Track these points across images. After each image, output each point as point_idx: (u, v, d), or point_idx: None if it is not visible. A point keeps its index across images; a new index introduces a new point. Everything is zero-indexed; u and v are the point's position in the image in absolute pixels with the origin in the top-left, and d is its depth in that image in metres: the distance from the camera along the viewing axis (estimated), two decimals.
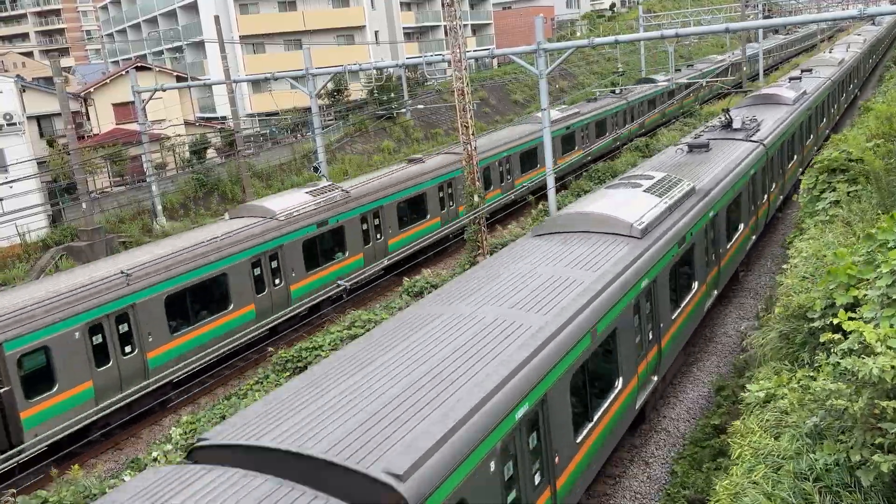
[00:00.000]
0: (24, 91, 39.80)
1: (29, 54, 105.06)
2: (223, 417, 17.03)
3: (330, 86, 50.46)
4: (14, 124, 36.25)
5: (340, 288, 24.45)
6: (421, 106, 51.46)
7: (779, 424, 8.25)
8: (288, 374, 19.05)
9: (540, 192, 34.08)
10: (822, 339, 8.25)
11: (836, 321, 7.95)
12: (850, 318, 7.60)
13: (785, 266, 14.58)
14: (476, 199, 25.59)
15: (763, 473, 7.65)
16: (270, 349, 21.43)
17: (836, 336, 7.77)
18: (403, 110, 53.07)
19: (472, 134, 25.37)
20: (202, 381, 20.81)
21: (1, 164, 34.76)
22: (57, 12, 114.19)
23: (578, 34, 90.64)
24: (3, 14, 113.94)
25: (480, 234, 25.76)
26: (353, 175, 39.51)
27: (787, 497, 7.20)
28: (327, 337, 20.36)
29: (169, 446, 16.06)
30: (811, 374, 8.23)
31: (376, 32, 61.40)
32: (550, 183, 26.33)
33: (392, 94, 53.63)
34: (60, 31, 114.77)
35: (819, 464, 7.20)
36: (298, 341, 21.74)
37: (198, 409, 19.49)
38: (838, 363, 7.51)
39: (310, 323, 24.13)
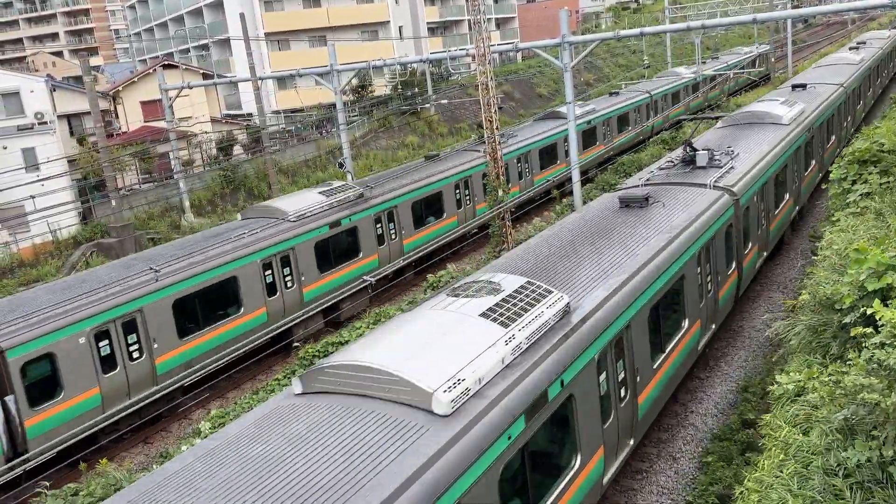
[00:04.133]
0: (54, 90, 40.42)
1: (59, 54, 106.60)
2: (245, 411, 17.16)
3: (354, 82, 50.61)
4: (45, 123, 36.85)
5: (365, 283, 24.56)
6: (445, 101, 51.45)
7: (808, 419, 8.14)
8: None
9: (565, 187, 33.90)
10: (853, 333, 8.12)
11: (869, 311, 7.82)
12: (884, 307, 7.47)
13: (815, 258, 14.38)
14: (500, 193, 25.54)
15: (793, 469, 7.55)
16: (296, 344, 21.60)
17: (868, 329, 7.64)
18: (427, 105, 53.10)
19: (496, 128, 25.32)
20: (230, 376, 21.02)
21: (32, 163, 35.35)
22: (86, 12, 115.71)
23: (603, 27, 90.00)
24: (34, 14, 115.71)
25: (505, 229, 25.71)
26: (377, 170, 39.62)
27: (816, 495, 7.10)
28: (353, 332, 20.45)
29: (198, 440, 16.22)
30: (843, 369, 8.11)
31: (400, 28, 61.44)
32: (576, 176, 26.20)
33: (416, 90, 53.67)
34: (89, 31, 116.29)
35: (851, 461, 7.09)
36: (324, 337, 21.88)
37: (227, 404, 19.70)
38: (871, 357, 7.39)
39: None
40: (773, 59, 64.11)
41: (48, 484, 14.33)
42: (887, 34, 56.11)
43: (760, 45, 69.90)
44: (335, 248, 23.37)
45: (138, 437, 18.57)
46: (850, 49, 46.51)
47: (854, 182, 16.53)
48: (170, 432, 18.96)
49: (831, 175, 17.41)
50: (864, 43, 49.50)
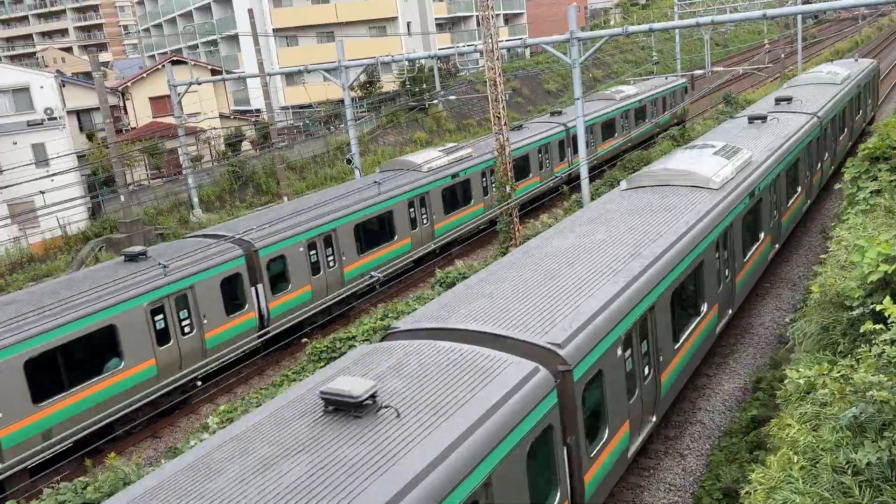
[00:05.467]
0: (64, 86, 40.58)
1: (68, 50, 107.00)
2: (258, 406, 17.23)
3: (362, 78, 50.61)
4: (55, 119, 36.98)
5: (373, 279, 24.58)
6: (453, 97, 51.40)
7: (818, 416, 8.11)
8: (322, 364, 19.20)
9: (574, 182, 33.86)
10: (862, 330, 8.09)
11: (879, 307, 7.79)
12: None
13: (824, 256, 14.33)
14: (508, 189, 25.52)
15: (800, 466, 7.53)
16: (305, 339, 21.66)
17: (878, 326, 7.61)
18: (436, 101, 53.07)
19: (505, 124, 25.29)
20: (238, 371, 21.10)
21: (42, 158, 35.52)
22: (95, 8, 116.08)
23: (612, 22, 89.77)
24: (43, 10, 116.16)
25: (513, 225, 25.69)
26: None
27: (825, 493, 7.08)
28: (360, 328, 20.47)
29: (206, 435, 16.28)
30: (851, 363, 8.08)
31: (408, 24, 61.39)
32: (584, 173, 26.18)
33: (424, 86, 53.63)
34: (98, 27, 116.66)
35: (861, 462, 7.06)
36: (332, 332, 21.93)
37: (235, 399, 19.78)
38: (881, 354, 7.36)
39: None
40: (783, 56, 63.63)
41: (59, 478, 14.46)
42: (842, 75, 32.00)
43: (671, 75, 51.15)
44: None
45: (147, 431, 18.67)
46: (750, 122, 24.13)
47: (864, 179, 16.44)
48: (178, 427, 19.05)
49: (845, 175, 17.31)
50: (788, 101, 26.65)
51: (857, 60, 38.65)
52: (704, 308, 14.97)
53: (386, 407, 8.47)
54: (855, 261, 9.27)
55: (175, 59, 49.17)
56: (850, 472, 7.11)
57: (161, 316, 18.08)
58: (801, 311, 13.31)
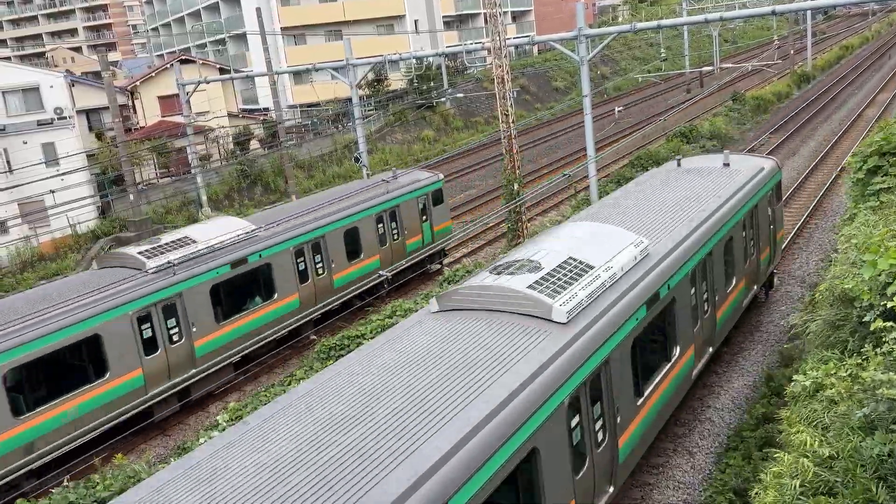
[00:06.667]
0: (73, 86, 40.74)
1: (78, 49, 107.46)
2: (266, 404, 17.26)
3: (370, 76, 50.64)
4: (64, 118, 37.15)
5: (381, 278, 24.60)
6: (461, 94, 51.38)
7: (827, 413, 8.08)
8: (331, 361, 19.23)
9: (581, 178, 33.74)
10: (872, 328, 8.04)
11: (890, 304, 7.74)
12: None
13: (835, 255, 14.27)
14: (516, 187, 25.52)
15: (812, 463, 7.50)
16: (314, 337, 21.70)
17: (888, 324, 7.57)
18: (443, 99, 53.06)
19: (513, 122, 25.28)
20: (247, 370, 21.16)
21: (52, 158, 35.69)
22: (104, 7, 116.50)
23: (620, 19, 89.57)
24: (53, 10, 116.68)
25: (520, 224, 25.69)
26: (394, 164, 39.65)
27: (830, 496, 7.05)
28: (369, 326, 20.50)
29: (216, 433, 16.33)
30: (860, 361, 8.04)
31: (416, 21, 61.38)
32: (592, 171, 26.16)
33: (432, 83, 53.63)
34: (107, 27, 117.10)
35: (870, 451, 7.03)
36: (342, 330, 21.96)
37: (244, 396, 19.85)
38: (891, 352, 7.32)
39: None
40: (792, 51, 63.12)
41: (69, 476, 14.53)
42: (611, 271, 12.01)
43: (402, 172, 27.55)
44: None
45: (157, 429, 18.75)
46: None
47: (873, 174, 16.32)
48: (187, 425, 19.13)
49: (848, 165, 17.19)
50: None
51: (725, 165, 18.12)
52: None
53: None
54: (866, 275, 9.12)
55: (183, 58, 49.29)
56: (868, 471, 7.07)
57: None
58: (806, 307, 13.28)
